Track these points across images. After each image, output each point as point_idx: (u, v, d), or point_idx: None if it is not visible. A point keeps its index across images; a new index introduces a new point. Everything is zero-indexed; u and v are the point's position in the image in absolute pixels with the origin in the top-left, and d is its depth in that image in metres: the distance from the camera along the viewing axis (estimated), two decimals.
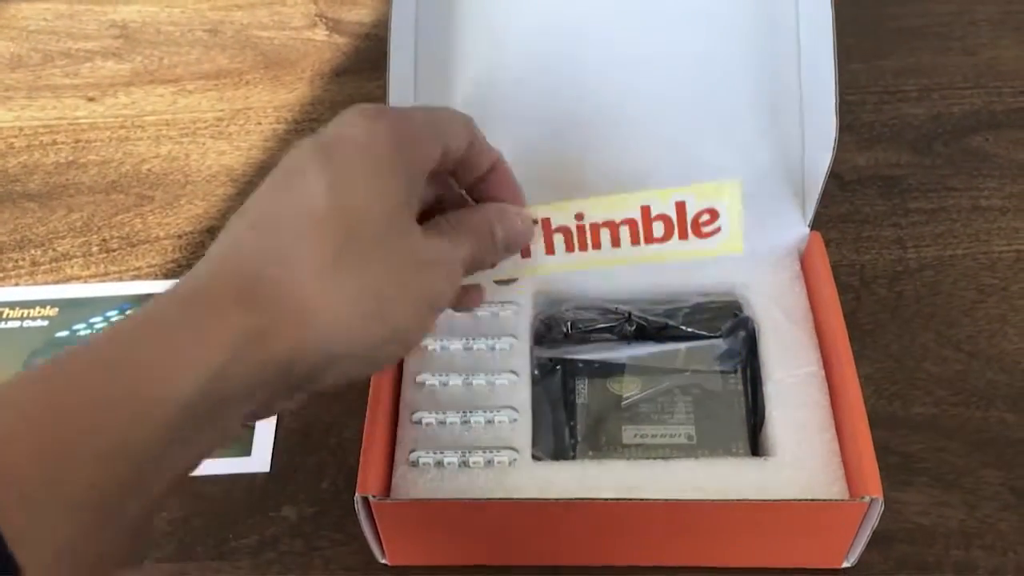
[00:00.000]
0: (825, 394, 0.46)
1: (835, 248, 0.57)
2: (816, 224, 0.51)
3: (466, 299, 0.40)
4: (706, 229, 0.40)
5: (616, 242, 0.40)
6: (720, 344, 0.48)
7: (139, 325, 0.30)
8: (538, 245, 0.40)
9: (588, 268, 0.41)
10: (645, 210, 0.40)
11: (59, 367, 0.28)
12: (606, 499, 0.41)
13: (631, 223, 0.40)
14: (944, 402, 0.50)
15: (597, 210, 0.40)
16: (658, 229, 0.40)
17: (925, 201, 0.59)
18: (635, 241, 0.40)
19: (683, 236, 0.40)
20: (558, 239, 0.40)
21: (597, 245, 0.40)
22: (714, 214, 0.40)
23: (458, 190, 0.39)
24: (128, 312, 0.55)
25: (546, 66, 0.52)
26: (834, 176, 0.59)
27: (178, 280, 0.31)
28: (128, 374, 0.28)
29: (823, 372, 0.46)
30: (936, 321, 0.54)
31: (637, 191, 0.40)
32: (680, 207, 0.40)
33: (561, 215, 0.40)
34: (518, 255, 0.40)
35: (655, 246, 0.40)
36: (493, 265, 0.39)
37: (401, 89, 0.50)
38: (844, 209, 0.59)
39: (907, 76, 0.67)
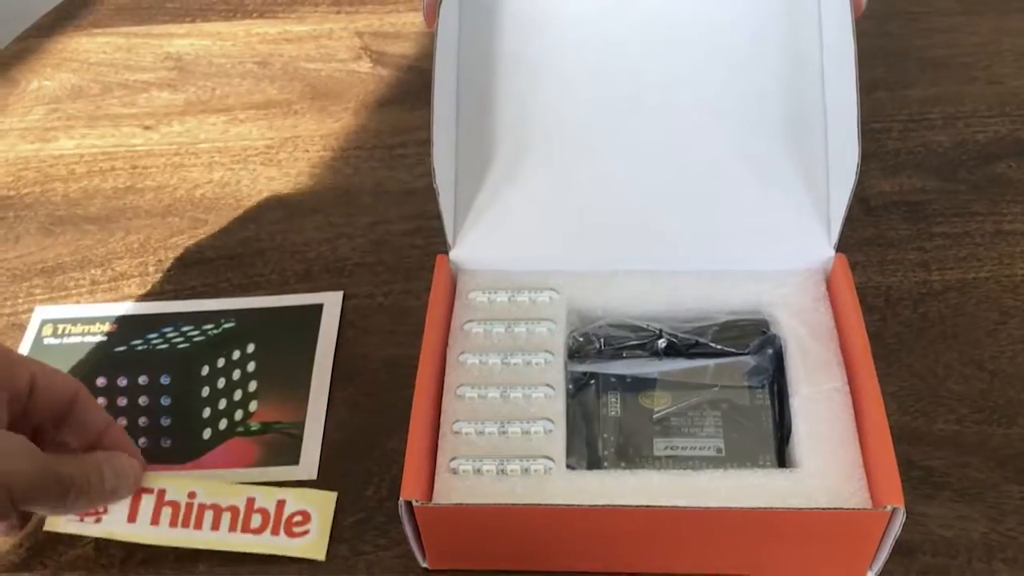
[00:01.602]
0: (849, 409, 0.47)
1: (861, 270, 0.59)
2: (843, 247, 0.53)
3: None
4: (297, 529, 0.46)
5: (216, 526, 0.45)
6: (748, 361, 0.50)
7: None
8: (146, 512, 0.46)
9: (184, 546, 0.46)
10: (250, 502, 0.46)
11: None
12: (637, 505, 0.43)
13: (234, 511, 0.46)
14: (967, 419, 0.52)
15: (208, 493, 0.46)
16: (256, 521, 0.46)
17: (949, 226, 0.61)
18: (233, 528, 0.45)
19: (275, 532, 0.46)
20: (166, 512, 0.46)
21: (199, 525, 0.45)
22: (307, 517, 0.46)
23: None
24: (180, 328, 0.58)
25: (580, 99, 0.55)
26: (860, 201, 0.62)
27: None
28: None
29: (847, 388, 0.48)
30: (959, 341, 0.55)
31: (247, 484, 0.47)
32: (280, 505, 0.46)
33: (175, 490, 0.46)
34: (124, 518, 0.45)
35: (248, 536, 0.46)
36: (98, 505, 0.45)
37: (444, 124, 0.52)
38: (870, 233, 0.61)
39: (932, 104, 0.68)
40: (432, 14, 0.51)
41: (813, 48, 0.54)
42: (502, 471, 0.45)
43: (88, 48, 0.79)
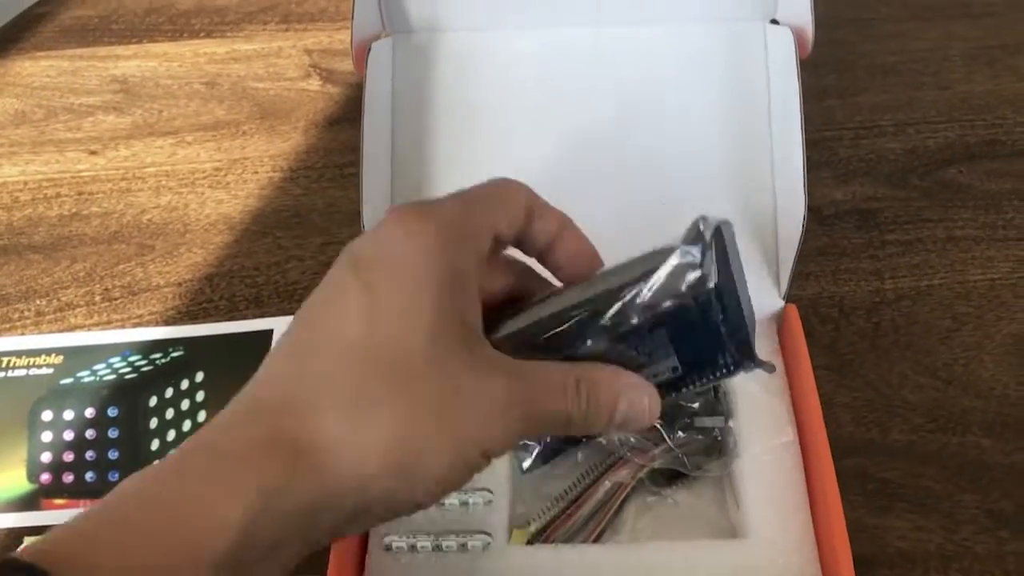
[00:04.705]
0: (800, 467, 0.46)
1: (815, 281, 0.58)
2: (796, 258, 0.52)
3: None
4: None
5: None
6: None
7: (171, 477, 0.29)
8: None
9: None
10: None
11: (93, 525, 0.27)
12: None
13: None
14: (921, 429, 0.52)
15: None
16: None
17: (901, 233, 0.61)
18: None
19: None
20: None
21: None
22: None
23: (533, 274, 0.37)
24: (128, 359, 0.57)
25: (519, 141, 0.53)
26: (812, 210, 0.62)
27: (219, 412, 0.30)
28: (160, 537, 0.27)
29: (798, 441, 0.47)
30: (913, 350, 0.55)
31: None
32: None
33: None
34: None
35: None
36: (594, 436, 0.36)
37: (376, 169, 0.51)
38: (822, 242, 0.61)
39: (883, 111, 0.69)
40: (360, 61, 0.50)
41: (760, 94, 0.53)
42: (438, 547, 0.44)
43: (32, 72, 0.77)
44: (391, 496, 0.30)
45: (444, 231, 0.32)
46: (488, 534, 0.45)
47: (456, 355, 0.30)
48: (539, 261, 0.37)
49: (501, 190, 0.35)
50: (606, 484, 0.47)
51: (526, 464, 0.46)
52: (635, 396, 0.34)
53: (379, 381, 0.29)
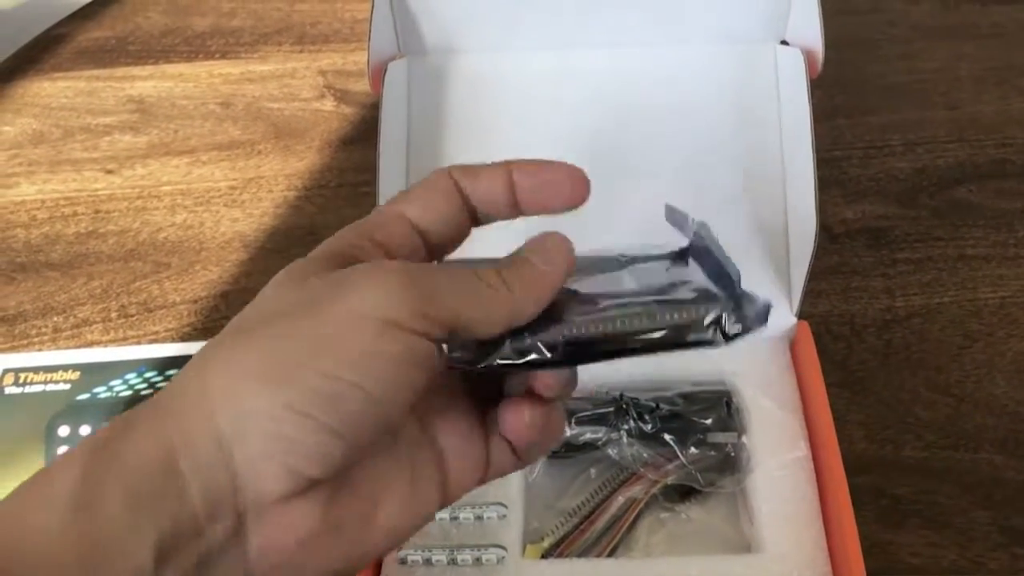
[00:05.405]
0: (813, 482, 0.46)
1: (826, 299, 0.59)
2: (807, 276, 0.52)
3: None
4: None
5: None
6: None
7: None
8: None
9: None
10: None
11: None
12: None
13: None
14: (934, 445, 0.52)
15: None
16: None
17: (912, 251, 0.61)
18: None
19: None
20: None
21: None
22: None
23: None
24: (144, 375, 0.58)
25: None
26: (824, 229, 0.62)
27: None
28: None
29: (811, 455, 0.47)
30: (925, 367, 0.55)
31: None
32: None
33: None
34: None
35: None
36: (535, 298, 0.31)
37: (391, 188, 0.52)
38: (834, 261, 0.61)
39: (892, 131, 0.69)
40: (377, 81, 0.50)
41: (771, 114, 0.53)
42: (453, 561, 0.44)
43: (49, 92, 0.78)
44: (252, 409, 0.27)
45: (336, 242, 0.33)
46: (503, 548, 0.45)
47: (313, 279, 0.29)
48: (520, 215, 0.34)
49: (422, 181, 0.34)
50: (619, 499, 0.47)
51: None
52: (536, 243, 0.33)
53: (238, 324, 0.29)
